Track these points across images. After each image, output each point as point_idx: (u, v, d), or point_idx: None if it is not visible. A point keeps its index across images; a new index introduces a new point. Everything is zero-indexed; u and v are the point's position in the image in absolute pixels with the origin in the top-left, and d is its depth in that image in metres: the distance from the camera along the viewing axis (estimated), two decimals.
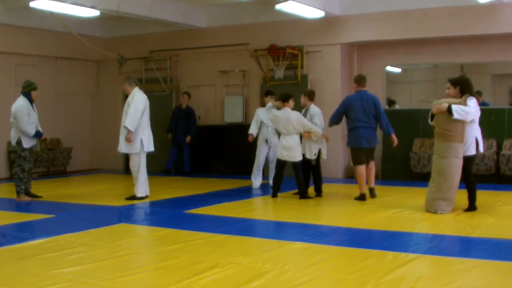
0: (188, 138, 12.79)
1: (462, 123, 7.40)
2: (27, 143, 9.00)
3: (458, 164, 7.46)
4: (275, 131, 10.00)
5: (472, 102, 7.39)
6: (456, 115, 7.26)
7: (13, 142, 9.08)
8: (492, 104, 12.02)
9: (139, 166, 8.91)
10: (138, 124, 8.77)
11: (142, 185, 8.98)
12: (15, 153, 9.16)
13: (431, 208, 7.55)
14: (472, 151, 7.53)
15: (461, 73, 12.29)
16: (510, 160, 10.62)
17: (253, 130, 10.49)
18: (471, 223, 6.84)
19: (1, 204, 9.10)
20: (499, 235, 6.14)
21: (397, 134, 10.57)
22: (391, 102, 12.68)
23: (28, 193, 9.22)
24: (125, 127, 8.73)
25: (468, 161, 7.55)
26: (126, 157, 14.59)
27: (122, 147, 8.94)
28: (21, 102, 9.06)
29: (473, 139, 7.50)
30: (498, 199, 8.81)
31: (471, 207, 7.61)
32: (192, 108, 13.03)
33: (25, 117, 8.90)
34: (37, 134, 9.13)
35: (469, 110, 7.31)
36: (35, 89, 9.29)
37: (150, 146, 9.00)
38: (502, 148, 10.96)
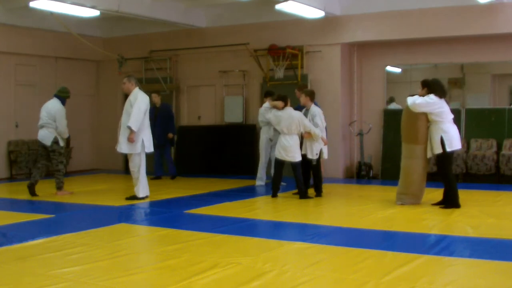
0: (170, 135, 11.93)
1: (415, 124, 7.98)
2: (61, 141, 9.51)
3: (415, 164, 8.09)
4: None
5: (428, 98, 7.86)
6: (408, 102, 7.99)
7: (49, 142, 9.41)
8: (492, 104, 12.03)
9: (139, 167, 8.89)
10: (141, 125, 8.77)
11: (143, 186, 8.98)
12: (53, 152, 9.48)
13: (396, 201, 8.27)
14: (437, 150, 7.89)
15: (461, 73, 12.31)
16: (510, 160, 10.62)
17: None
18: (471, 223, 6.84)
19: (1, 204, 9.09)
20: (499, 235, 6.14)
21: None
22: (391, 100, 12.71)
23: (33, 188, 9.44)
24: (129, 128, 8.69)
25: (439, 159, 8.03)
26: (126, 157, 14.62)
27: (123, 148, 8.88)
28: (59, 105, 9.52)
29: (438, 138, 7.85)
30: (498, 199, 8.82)
31: (442, 201, 8.03)
32: (168, 105, 12.47)
33: (65, 119, 9.48)
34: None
35: (418, 101, 7.88)
36: (69, 97, 9.82)
37: (150, 147, 9.01)
38: (502, 148, 10.97)
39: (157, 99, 12.00)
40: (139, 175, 8.91)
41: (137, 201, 8.80)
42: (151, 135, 9.09)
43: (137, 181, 8.93)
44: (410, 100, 8.03)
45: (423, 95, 8.01)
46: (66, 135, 9.59)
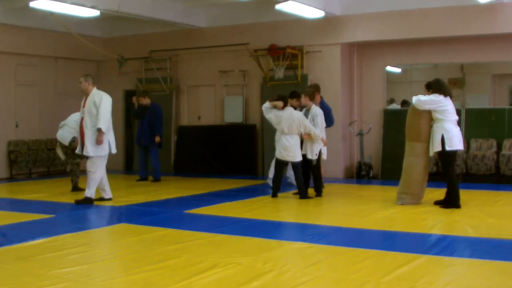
0: (157, 139, 11.49)
1: (418, 122, 8.02)
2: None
3: (417, 163, 8.12)
4: None
5: (433, 95, 7.93)
6: (414, 100, 8.07)
7: (66, 142, 9.80)
8: (492, 104, 12.04)
9: (97, 168, 8.58)
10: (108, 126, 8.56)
11: (95, 186, 8.65)
12: (72, 150, 9.78)
13: (396, 200, 8.25)
14: (436, 148, 7.91)
15: (461, 73, 12.31)
16: (510, 160, 10.62)
17: None
18: (471, 223, 6.84)
19: (1, 204, 9.09)
20: (499, 235, 6.14)
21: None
22: (391, 101, 12.73)
23: (78, 188, 9.86)
24: (99, 129, 8.42)
25: (440, 158, 8.04)
26: (126, 157, 14.63)
27: (90, 151, 8.50)
28: None
29: (439, 137, 7.87)
30: (498, 199, 8.82)
31: (443, 201, 8.04)
32: (157, 105, 11.84)
33: None
34: None
35: (422, 98, 7.99)
36: None
37: (114, 148, 8.82)
38: (502, 148, 10.97)
39: (145, 100, 11.63)
40: (95, 176, 8.60)
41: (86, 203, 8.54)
42: (114, 136, 8.88)
43: (91, 181, 8.60)
44: (415, 98, 8.08)
45: None
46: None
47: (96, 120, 8.48)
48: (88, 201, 8.54)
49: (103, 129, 8.44)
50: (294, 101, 9.70)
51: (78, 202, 8.55)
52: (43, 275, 4.68)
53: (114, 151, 8.83)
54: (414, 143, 8.13)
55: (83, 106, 8.66)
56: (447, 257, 5.19)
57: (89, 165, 8.60)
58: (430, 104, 7.92)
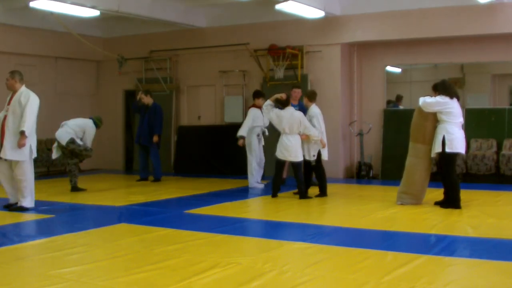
0: (155, 138, 11.45)
1: (423, 124, 7.98)
2: (78, 140, 10.02)
3: (418, 164, 8.10)
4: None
5: (440, 97, 7.91)
6: (420, 101, 8.03)
7: (64, 142, 9.80)
8: (492, 104, 12.04)
9: (27, 174, 7.94)
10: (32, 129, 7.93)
11: (32, 195, 8.07)
12: (73, 150, 9.97)
13: (396, 200, 8.26)
14: (437, 149, 7.89)
15: (461, 73, 12.31)
16: (510, 160, 10.62)
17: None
18: (471, 223, 6.84)
19: (1, 204, 9.08)
20: (499, 235, 6.15)
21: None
22: (398, 99, 12.78)
23: (77, 188, 10.08)
24: (22, 132, 7.73)
25: (441, 159, 7.98)
26: (126, 157, 14.63)
27: (8, 154, 7.77)
28: (93, 126, 10.17)
29: (440, 138, 7.84)
30: (498, 199, 8.82)
31: (443, 201, 8.04)
32: (158, 105, 11.75)
33: (92, 138, 10.21)
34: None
35: (428, 100, 7.95)
36: (99, 127, 10.48)
37: (35, 152, 8.09)
38: (502, 148, 10.98)
39: (146, 99, 11.59)
40: (27, 184, 7.94)
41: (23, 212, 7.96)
42: (36, 141, 8.26)
43: (25, 189, 7.93)
44: (421, 99, 8.06)
45: None
46: (88, 148, 10.08)
47: (19, 121, 7.80)
48: (23, 210, 7.95)
49: (27, 133, 7.74)
50: (260, 100, 10.16)
51: (11, 210, 8.00)
52: (43, 275, 4.68)
53: (34, 155, 8.09)
54: (418, 144, 8.09)
55: (8, 104, 7.97)
56: (447, 257, 5.19)
57: (19, 173, 7.89)
58: (436, 106, 7.88)
